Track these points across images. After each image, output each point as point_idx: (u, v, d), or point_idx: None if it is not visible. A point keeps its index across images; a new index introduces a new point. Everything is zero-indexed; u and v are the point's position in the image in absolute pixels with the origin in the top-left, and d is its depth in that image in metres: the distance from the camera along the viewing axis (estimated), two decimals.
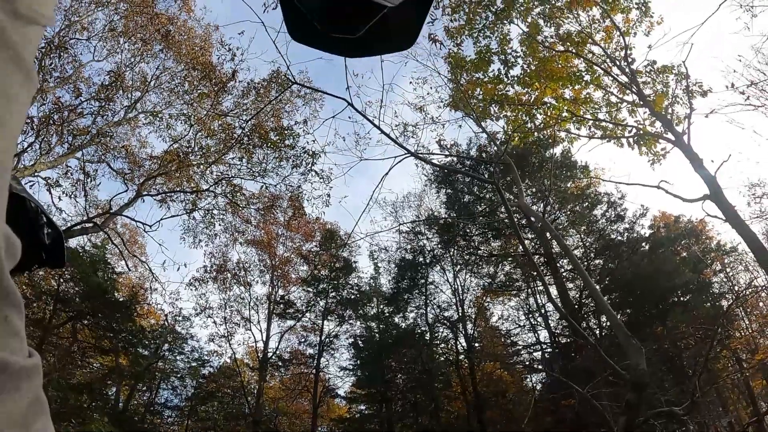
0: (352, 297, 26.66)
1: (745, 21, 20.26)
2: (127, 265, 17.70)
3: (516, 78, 13.72)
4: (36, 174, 13.05)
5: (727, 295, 19.55)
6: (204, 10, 26.22)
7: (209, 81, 15.53)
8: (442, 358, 25.26)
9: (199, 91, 15.80)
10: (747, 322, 21.44)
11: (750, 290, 16.22)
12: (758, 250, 9.72)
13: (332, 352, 26.32)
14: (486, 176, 18.06)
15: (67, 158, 14.37)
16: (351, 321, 26.70)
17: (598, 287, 19.78)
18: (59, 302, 17.11)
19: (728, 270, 21.48)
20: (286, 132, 15.74)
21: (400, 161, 9.67)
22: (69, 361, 17.62)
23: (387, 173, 13.27)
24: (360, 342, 26.15)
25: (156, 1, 15.11)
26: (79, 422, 16.50)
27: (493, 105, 13.96)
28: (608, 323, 16.78)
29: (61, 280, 17.32)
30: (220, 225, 18.26)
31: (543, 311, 22.55)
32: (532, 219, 16.53)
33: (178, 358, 23.63)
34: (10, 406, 0.46)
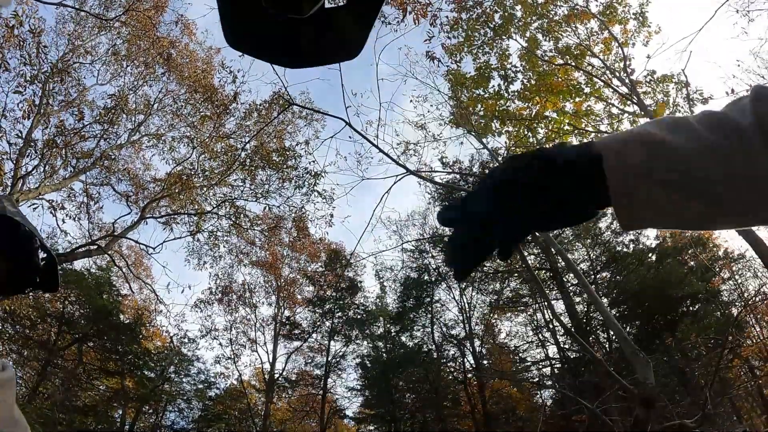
0: (359, 317, 26.48)
1: (743, 26, 20.37)
2: (130, 288, 17.65)
3: (516, 93, 13.75)
4: (40, 196, 13.11)
5: (736, 303, 19.29)
6: (206, 33, 26.55)
7: (211, 103, 15.64)
8: (451, 377, 24.97)
9: (201, 114, 15.90)
10: (758, 330, 21.11)
11: (759, 297, 15.97)
12: (766, 255, 9.61)
13: (339, 372, 26.09)
14: None
15: (71, 181, 14.46)
16: (358, 341, 26.47)
17: (604, 300, 19.65)
18: (64, 324, 17.09)
19: (737, 277, 21.15)
20: (288, 152, 15.80)
21: (400, 179, 9.65)
22: (74, 384, 17.53)
23: (387, 192, 13.29)
24: (367, 362, 25.87)
25: (158, 26, 15.30)
26: None
27: (494, 121, 13.97)
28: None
29: (66, 303, 17.32)
30: (224, 246, 18.25)
31: (551, 326, 22.32)
32: (536, 233, 16.42)
33: (184, 380, 23.51)
34: None
